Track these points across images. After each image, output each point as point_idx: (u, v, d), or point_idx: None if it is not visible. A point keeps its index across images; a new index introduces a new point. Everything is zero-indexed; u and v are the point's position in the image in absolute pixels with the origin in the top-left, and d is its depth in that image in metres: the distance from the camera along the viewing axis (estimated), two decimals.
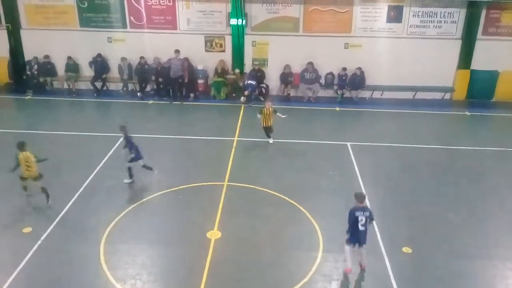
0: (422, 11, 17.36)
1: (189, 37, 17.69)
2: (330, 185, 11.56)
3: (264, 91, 17.64)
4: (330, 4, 17.19)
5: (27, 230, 9.53)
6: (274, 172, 12.19)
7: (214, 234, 9.51)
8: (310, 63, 17.40)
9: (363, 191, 10.83)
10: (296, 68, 17.69)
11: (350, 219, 8.15)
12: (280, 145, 13.80)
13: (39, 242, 9.17)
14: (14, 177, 11.45)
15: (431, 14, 17.38)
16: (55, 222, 9.83)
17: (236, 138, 14.16)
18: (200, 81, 17.84)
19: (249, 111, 16.38)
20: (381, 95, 17.98)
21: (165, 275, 8.50)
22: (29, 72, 17.71)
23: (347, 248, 8.31)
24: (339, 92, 17.70)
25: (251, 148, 13.71)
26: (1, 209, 10.34)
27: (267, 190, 11.14)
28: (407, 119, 16.40)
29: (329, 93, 17.96)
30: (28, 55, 17.93)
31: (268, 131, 13.68)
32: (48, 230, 9.55)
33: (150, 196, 10.97)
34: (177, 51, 16.97)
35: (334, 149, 13.61)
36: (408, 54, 17.43)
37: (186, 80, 17.09)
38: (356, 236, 8.20)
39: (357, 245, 8.29)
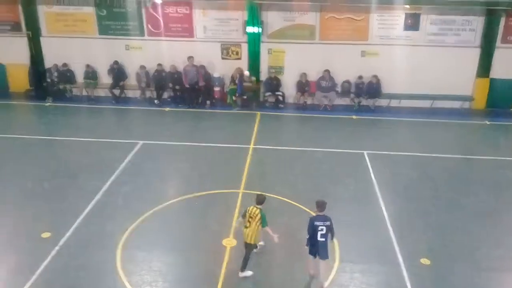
0: (440, 19, 17.22)
1: (205, 45, 17.82)
2: (347, 194, 11.45)
3: (281, 98, 17.63)
4: (347, 11, 17.16)
5: (46, 235, 9.62)
6: (289, 180, 12.13)
7: (229, 242, 9.49)
8: (327, 71, 17.36)
9: (380, 200, 10.74)
10: (313, 76, 17.67)
11: (310, 229, 7.82)
12: (296, 153, 13.76)
13: (57, 248, 9.26)
14: (34, 182, 11.66)
15: (449, 22, 17.23)
16: (73, 228, 9.91)
17: (252, 146, 14.16)
18: (216, 89, 17.93)
19: (265, 119, 16.41)
20: (399, 103, 17.84)
21: (180, 283, 8.50)
22: (49, 79, 18.02)
23: (310, 258, 7.97)
24: (356, 100, 17.62)
25: (266, 156, 13.68)
26: (21, 214, 10.48)
27: (282, 198, 11.09)
28: (425, 128, 16.22)
29: (346, 101, 17.89)
30: (48, 63, 18.25)
31: (248, 250, 8.48)
32: (67, 236, 9.63)
33: (166, 203, 11.00)
34: (190, 58, 17.11)
35: (350, 158, 13.51)
36: (426, 62, 17.28)
37: (201, 87, 17.21)
38: (315, 248, 7.81)
39: (317, 256, 7.87)
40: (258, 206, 8.26)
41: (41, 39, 18.19)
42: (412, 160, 13.48)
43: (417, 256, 9.09)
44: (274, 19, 17.40)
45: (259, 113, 16.87)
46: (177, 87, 17.47)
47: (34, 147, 13.99)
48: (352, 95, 17.70)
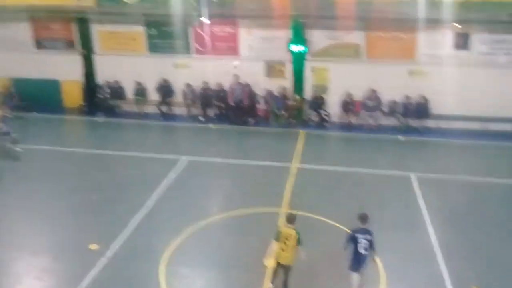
0: (491, 38, 16.66)
1: (250, 63, 18.02)
2: (393, 218, 11.12)
3: (325, 117, 17.49)
4: (394, 30, 16.92)
5: (94, 246, 9.91)
6: (332, 201, 11.96)
7: (269, 262, 9.41)
8: (372, 90, 17.13)
9: (428, 226, 10.38)
10: (358, 95, 17.46)
11: (349, 240, 7.80)
12: (340, 174, 13.57)
13: (103, 259, 9.50)
14: (84, 194, 12.09)
15: (500, 41, 16.64)
16: (119, 240, 10.16)
17: (295, 165, 14.09)
18: (260, 107, 18.03)
19: (309, 137, 16.33)
20: (448, 125, 17.26)
21: None
22: (101, 95, 18.75)
23: (353, 276, 7.85)
24: (403, 120, 17.22)
25: (310, 175, 13.55)
26: (71, 225, 10.87)
27: (325, 219, 10.93)
28: (476, 151, 15.60)
29: (392, 121, 17.50)
30: (100, 79, 19.01)
31: (287, 272, 8.35)
32: (113, 248, 9.88)
33: (210, 219, 11.09)
34: (236, 76, 17.38)
35: (396, 180, 13.17)
36: (477, 83, 16.69)
37: (246, 105, 17.39)
38: (357, 261, 7.74)
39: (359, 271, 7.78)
40: (291, 226, 8.17)
41: (94, 56, 19.00)
42: (463, 185, 12.97)
43: (467, 284, 8.69)
44: (319, 38, 17.41)
45: (302, 131, 16.81)
46: (222, 104, 17.72)
47: (84, 160, 14.54)
48: (398, 115, 17.32)
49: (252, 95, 17.73)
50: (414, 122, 17.15)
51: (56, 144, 15.47)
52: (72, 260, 9.62)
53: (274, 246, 8.08)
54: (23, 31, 19.05)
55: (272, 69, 18.00)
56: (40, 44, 19.23)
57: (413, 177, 13.22)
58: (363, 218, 7.94)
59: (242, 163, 14.27)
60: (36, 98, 18.34)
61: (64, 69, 19.09)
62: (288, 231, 8.08)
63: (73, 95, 19.22)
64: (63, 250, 9.97)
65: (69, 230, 10.68)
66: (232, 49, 18.08)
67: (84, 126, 18.25)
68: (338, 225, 10.62)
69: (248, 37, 17.90)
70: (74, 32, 18.85)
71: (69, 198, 12.05)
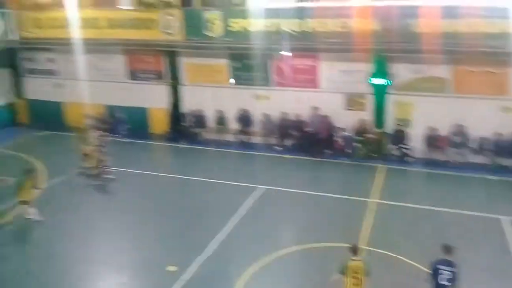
0: None
1: (329, 95, 17.99)
2: (480, 264, 10.27)
3: (407, 152, 16.84)
4: (483, 64, 16.07)
5: (172, 268, 10.22)
6: (413, 240, 11.34)
7: None
8: (459, 126, 16.26)
9: None
10: (443, 130, 16.66)
11: (431, 271, 7.53)
12: (422, 212, 12.89)
13: (180, 282, 9.75)
14: (165, 217, 12.59)
15: None
16: (196, 264, 10.40)
17: (372, 200, 13.65)
18: (338, 139, 17.84)
19: (389, 173, 15.78)
20: None
21: None
22: (184, 123, 19.69)
23: None
24: (493, 159, 16.08)
25: (388, 212, 13.03)
26: (152, 246, 11.33)
27: (406, 260, 10.38)
28: None
29: (481, 159, 16.39)
30: (184, 108, 20.02)
31: None
32: (190, 271, 10.12)
33: (284, 250, 11.00)
34: (315, 108, 17.45)
35: (485, 223, 12.23)
36: None
37: (324, 137, 17.32)
38: None
39: None
40: (357, 258, 7.98)
41: (181, 87, 20.10)
42: None
43: None
44: (402, 71, 16.99)
45: (382, 166, 16.30)
46: (299, 135, 17.78)
47: (167, 184, 15.23)
48: (489, 153, 16.20)
49: (330, 127, 17.63)
50: (506, 161, 15.94)
51: (142, 167, 16.35)
52: (151, 279, 10.00)
53: (337, 277, 7.97)
54: (119, 62, 20.72)
55: (352, 101, 17.82)
56: (133, 74, 20.75)
57: (503, 220, 12.20)
58: (447, 249, 7.75)
59: (318, 195, 14.10)
60: (128, 124, 19.73)
61: (152, 97, 20.37)
62: (356, 264, 7.89)
63: (159, 122, 20.37)
64: (143, 269, 10.41)
65: (150, 250, 11.13)
66: (312, 82, 18.22)
67: (168, 152, 19.16)
68: (418, 265, 10.03)
69: (328, 70, 17.95)
70: (164, 64, 20.12)
71: (152, 220, 12.63)
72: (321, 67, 18.01)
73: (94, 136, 15.91)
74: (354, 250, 8.06)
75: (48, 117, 21.86)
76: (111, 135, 18.15)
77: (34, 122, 22.26)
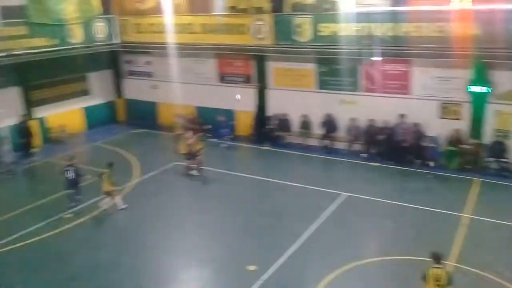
0: None
1: (422, 103, 17.17)
2: None
3: (506, 166, 15.54)
4: None
5: (251, 268, 10.39)
6: (508, 261, 10.41)
7: None
8: None
9: None
10: None
11: None
12: None
13: (259, 282, 9.87)
14: (247, 217, 12.84)
15: None
16: (275, 265, 10.48)
17: (466, 215, 12.76)
18: (428, 148, 16.94)
19: (485, 186, 14.66)
20: None
21: None
22: (269, 126, 19.96)
23: None
24: None
25: (484, 229, 12.09)
26: (234, 244, 11.63)
27: (502, 282, 9.58)
28: None
29: None
30: (270, 111, 20.29)
31: None
32: (269, 272, 10.22)
33: (366, 260, 10.69)
34: (402, 116, 16.78)
35: None
36: None
37: (411, 145, 16.58)
38: None
39: None
40: (439, 265, 7.94)
41: (268, 90, 20.40)
42: None
43: None
44: (504, 78, 15.73)
45: (478, 179, 15.19)
46: (386, 143, 17.17)
47: (250, 185, 15.51)
48: None
49: (420, 136, 16.81)
50: None
51: (227, 168, 16.81)
52: (232, 276, 10.24)
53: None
54: (210, 66, 21.56)
55: (446, 109, 16.84)
56: (222, 78, 21.47)
57: None
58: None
59: (404, 205, 13.49)
60: (214, 125, 20.44)
61: (240, 100, 20.88)
62: (437, 271, 7.84)
63: (244, 124, 20.84)
64: (224, 266, 10.70)
65: (231, 248, 11.43)
66: (403, 88, 17.52)
67: (252, 153, 19.52)
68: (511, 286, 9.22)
69: (422, 76, 17.15)
70: (252, 68, 20.56)
71: (234, 219, 12.95)
72: (414, 72, 17.27)
73: (187, 135, 16.73)
74: (436, 258, 7.98)
75: (144, 116, 23.40)
76: (215, 138, 19.00)
77: (131, 120, 23.94)
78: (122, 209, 13.37)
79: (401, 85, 17.56)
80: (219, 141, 19.42)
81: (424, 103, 17.06)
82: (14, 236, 11.98)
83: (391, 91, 17.74)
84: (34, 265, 10.82)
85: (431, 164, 16.20)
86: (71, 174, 13.42)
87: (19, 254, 11.29)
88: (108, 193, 13.29)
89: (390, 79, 17.74)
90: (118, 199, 13.45)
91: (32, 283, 10.11)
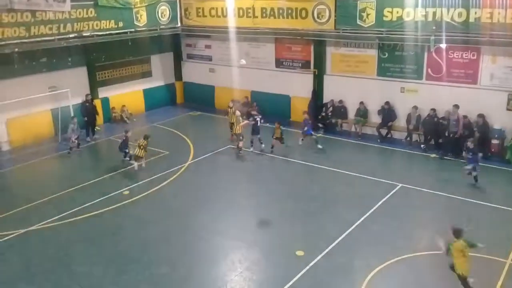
0: None
1: (489, 93, 16.18)
2: None
3: None
4: None
5: (300, 253, 10.38)
6: None
7: None
8: None
9: None
10: None
11: None
12: None
13: (307, 268, 9.84)
14: (297, 202, 12.80)
15: None
16: (324, 252, 10.40)
17: None
18: (494, 142, 15.99)
19: None
20: None
21: None
22: (324, 113, 19.66)
23: None
24: None
25: None
26: (283, 228, 11.66)
27: None
28: None
29: None
30: (326, 98, 19.96)
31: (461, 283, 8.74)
32: (317, 259, 10.16)
33: (418, 253, 10.34)
34: (455, 106, 15.99)
35: None
36: None
37: (457, 136, 15.86)
38: None
39: None
40: (458, 240, 8.52)
41: (325, 76, 20.04)
42: None
43: None
44: None
45: None
46: (448, 134, 16.33)
47: (301, 171, 15.44)
48: None
49: (485, 129, 15.87)
50: None
51: (280, 153, 16.74)
52: (279, 260, 10.29)
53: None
54: (269, 51, 21.49)
55: None
56: (280, 63, 21.34)
57: None
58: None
59: (463, 199, 12.86)
60: (270, 110, 20.43)
61: (295, 86, 20.71)
62: (458, 245, 8.52)
63: (299, 109, 20.61)
64: (273, 249, 10.77)
65: (280, 232, 11.47)
66: (471, 77, 16.57)
67: (306, 140, 19.25)
68: None
69: (491, 65, 16.14)
70: (311, 53, 20.25)
71: (284, 203, 12.94)
72: (482, 61, 16.27)
73: (240, 118, 17.14)
74: (456, 232, 8.52)
75: (201, 99, 23.86)
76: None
77: (189, 102, 24.50)
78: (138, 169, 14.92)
79: (468, 74, 16.63)
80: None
81: (492, 93, 16.08)
82: (74, 210, 12.70)
83: (457, 80, 16.85)
84: (92, 238, 11.43)
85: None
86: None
87: (78, 227, 11.97)
88: (139, 158, 14.91)
89: (456, 68, 16.84)
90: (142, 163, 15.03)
91: (90, 255, 10.70)
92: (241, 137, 16.53)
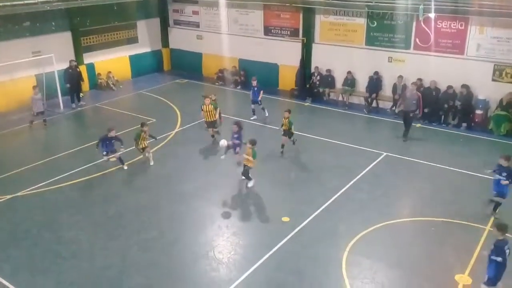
0: None
1: (475, 64, 16.33)
2: None
3: None
4: None
5: (286, 219, 10.61)
6: None
7: (463, 279, 8.60)
8: None
9: None
10: None
11: None
12: None
13: (292, 233, 10.09)
14: (283, 172, 12.93)
15: None
16: (309, 218, 10.65)
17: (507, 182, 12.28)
18: (478, 112, 16.25)
19: None
20: None
21: None
22: (311, 82, 19.66)
23: None
24: None
25: None
26: (270, 196, 11.83)
27: None
28: None
29: None
30: (314, 67, 19.91)
31: None
32: (303, 224, 10.41)
33: (400, 219, 10.66)
34: (413, 84, 15.77)
35: None
36: None
37: (460, 108, 15.97)
38: None
39: None
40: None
41: (313, 45, 19.92)
42: None
43: None
44: None
45: None
46: (433, 104, 16.53)
47: (288, 140, 15.50)
48: None
49: (469, 98, 16.10)
50: None
51: (267, 122, 16.85)
52: (265, 226, 10.52)
53: None
54: (257, 19, 21.18)
55: (502, 72, 15.93)
56: (268, 30, 21.10)
57: None
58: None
59: (447, 169, 13.15)
60: (258, 78, 20.26)
61: (284, 54, 20.58)
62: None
63: (287, 79, 20.62)
64: (259, 216, 10.99)
65: (267, 200, 11.65)
66: (457, 47, 16.65)
67: (293, 108, 19.23)
68: None
69: (479, 36, 16.20)
70: (299, 21, 20.03)
71: (271, 172, 13.07)
72: (470, 32, 16.32)
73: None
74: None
75: (188, 66, 23.61)
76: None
77: (176, 70, 24.23)
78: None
79: (455, 44, 16.70)
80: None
81: (478, 64, 16.23)
82: (61, 176, 12.69)
83: (444, 50, 16.93)
84: (79, 204, 11.50)
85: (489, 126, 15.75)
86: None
87: (66, 193, 11.99)
88: (144, 149, 13.43)
89: (444, 38, 16.88)
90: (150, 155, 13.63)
91: (78, 221, 10.77)
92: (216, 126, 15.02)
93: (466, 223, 10.38)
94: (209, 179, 12.71)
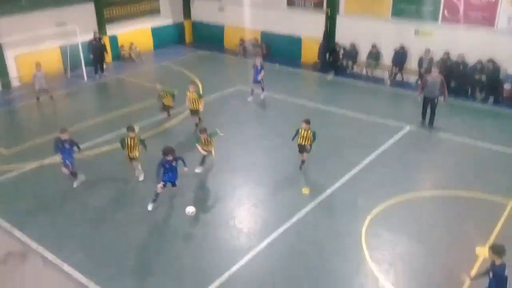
0: None
1: (505, 37, 15.74)
2: None
3: None
4: None
5: (306, 191, 10.64)
6: None
7: (483, 252, 8.48)
8: None
9: None
10: None
11: None
12: None
13: (312, 205, 10.11)
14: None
15: None
16: (329, 191, 10.66)
17: None
18: (506, 87, 15.76)
19: None
20: None
21: (420, 275, 8.14)
22: (335, 55, 19.31)
23: None
24: None
25: None
26: (288, 170, 11.80)
27: None
28: None
29: None
30: (338, 39, 19.52)
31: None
32: (322, 197, 10.43)
33: (421, 193, 10.55)
34: (436, 66, 14.83)
35: None
36: None
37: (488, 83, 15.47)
38: None
39: None
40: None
41: (337, 17, 19.48)
42: None
43: None
44: None
45: None
46: (461, 78, 16.10)
47: (308, 113, 15.24)
48: None
49: (496, 72, 15.60)
50: None
51: (290, 94, 16.71)
52: (285, 198, 10.55)
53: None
54: None
55: None
56: (291, 2, 20.70)
57: None
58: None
59: (473, 143, 12.89)
60: (280, 51, 20.12)
61: (307, 27, 20.22)
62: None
63: (310, 51, 20.31)
64: (279, 187, 10.99)
65: (287, 172, 11.64)
66: (488, 20, 16.05)
67: (316, 81, 19.13)
68: None
69: (510, 8, 15.56)
70: None
71: (291, 144, 12.87)
72: (501, 4, 15.68)
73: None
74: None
75: (210, 39, 23.48)
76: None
77: (197, 42, 24.14)
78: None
79: (485, 17, 16.09)
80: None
81: (508, 37, 15.64)
82: (86, 145, 12.87)
83: (474, 23, 16.33)
84: (104, 173, 11.73)
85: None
86: None
87: (91, 162, 12.17)
88: (131, 160, 11.35)
89: (473, 10, 16.27)
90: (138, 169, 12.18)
91: (101, 188, 11.03)
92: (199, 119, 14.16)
93: (489, 198, 10.21)
94: (229, 151, 12.73)
